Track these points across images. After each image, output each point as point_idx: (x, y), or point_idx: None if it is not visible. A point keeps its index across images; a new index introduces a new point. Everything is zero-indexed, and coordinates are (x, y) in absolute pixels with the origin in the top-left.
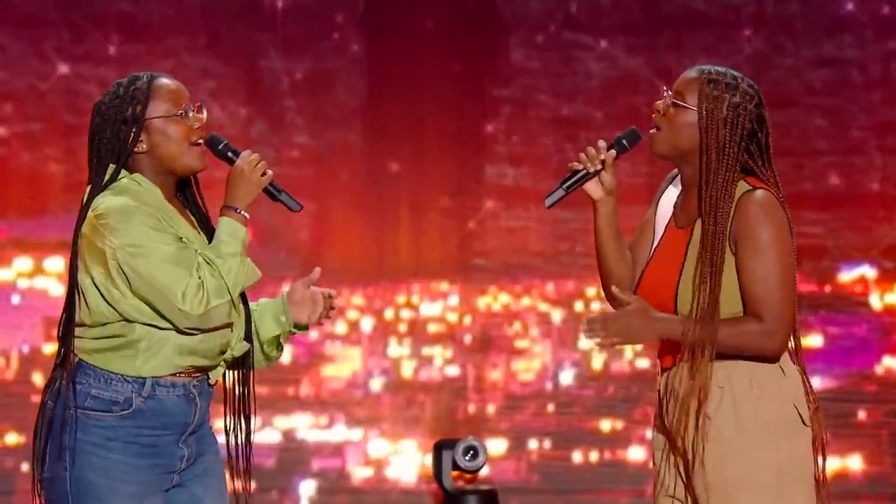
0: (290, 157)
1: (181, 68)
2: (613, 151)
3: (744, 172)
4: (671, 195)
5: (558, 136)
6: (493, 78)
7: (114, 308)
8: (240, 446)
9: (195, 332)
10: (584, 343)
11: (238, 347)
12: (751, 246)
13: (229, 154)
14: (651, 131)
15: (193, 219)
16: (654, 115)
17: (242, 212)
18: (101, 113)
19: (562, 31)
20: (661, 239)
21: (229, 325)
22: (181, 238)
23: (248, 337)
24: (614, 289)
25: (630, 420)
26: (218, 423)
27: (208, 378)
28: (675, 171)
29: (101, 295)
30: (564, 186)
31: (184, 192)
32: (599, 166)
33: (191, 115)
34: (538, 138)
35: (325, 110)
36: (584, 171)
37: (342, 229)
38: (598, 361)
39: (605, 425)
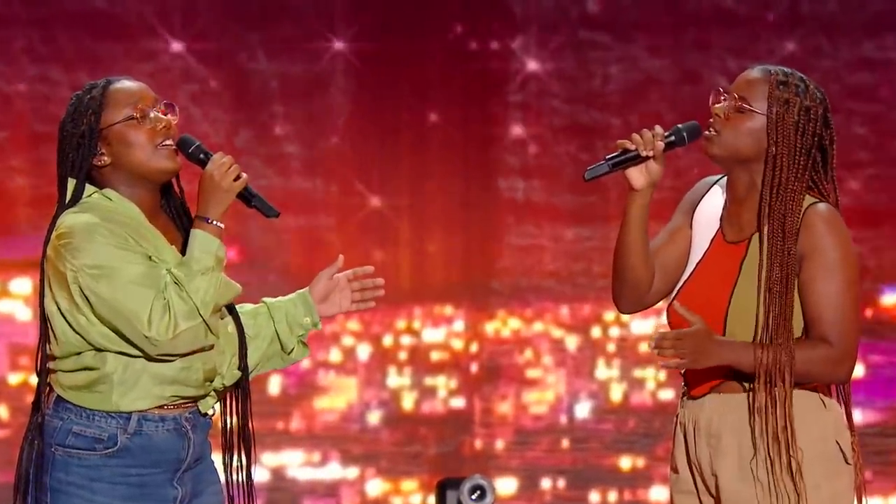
0: (278, 169)
1: (160, 71)
2: (669, 140)
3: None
4: (713, 204)
5: (573, 146)
6: (501, 82)
7: (82, 337)
8: (240, 485)
9: (167, 358)
10: (602, 372)
11: (229, 376)
12: (820, 265)
13: (201, 156)
14: (708, 132)
15: (179, 232)
16: (712, 119)
17: (216, 222)
18: (62, 129)
19: (577, 31)
20: (706, 254)
21: (207, 349)
22: (151, 257)
23: (242, 364)
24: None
25: (652, 457)
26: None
27: (199, 409)
28: (714, 177)
29: (68, 323)
30: (611, 163)
31: (169, 202)
32: (651, 153)
33: (151, 115)
34: (551, 148)
35: (318, 117)
36: (636, 152)
37: (336, 248)
38: (617, 393)
39: (625, 462)
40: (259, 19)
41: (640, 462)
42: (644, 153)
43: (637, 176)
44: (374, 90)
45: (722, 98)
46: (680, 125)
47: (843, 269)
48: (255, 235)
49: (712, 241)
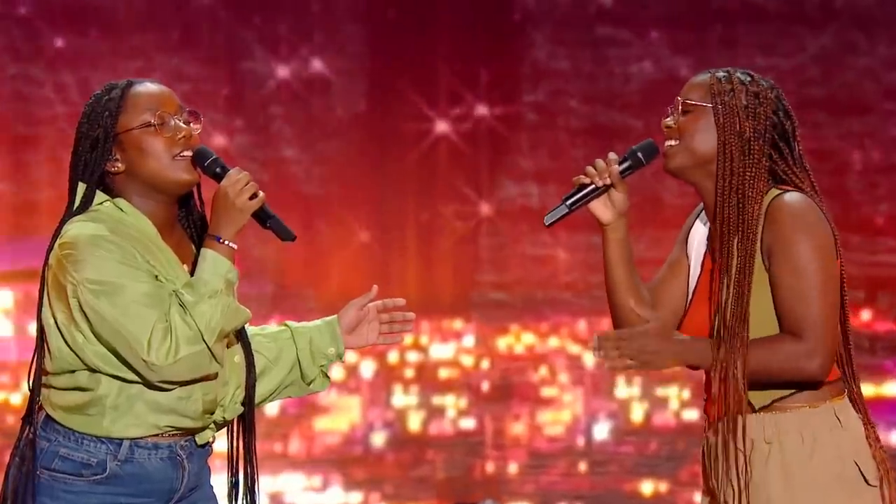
0: (277, 174)
1: (150, 70)
2: (626, 165)
3: (772, 176)
4: (701, 231)
5: (591, 149)
6: (514, 81)
7: (77, 355)
8: None
9: (166, 386)
10: (622, 391)
11: (231, 409)
12: (787, 258)
13: (217, 171)
14: (665, 145)
15: (194, 248)
16: (665, 132)
17: (228, 242)
18: (78, 130)
19: (595, 26)
20: (699, 278)
21: (212, 377)
22: (157, 276)
23: (247, 397)
24: (632, 303)
25: (675, 481)
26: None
27: (196, 441)
28: (700, 205)
29: (64, 339)
30: (567, 203)
31: (188, 216)
32: (609, 181)
33: (171, 123)
34: (568, 151)
35: (319, 119)
36: (592, 185)
37: (339, 258)
38: (638, 413)
39: (647, 487)
40: (257, 16)
41: (663, 486)
42: (600, 183)
43: (602, 210)
44: (379, 91)
45: (671, 111)
46: (634, 146)
47: (813, 260)
48: (252, 245)
49: (702, 264)
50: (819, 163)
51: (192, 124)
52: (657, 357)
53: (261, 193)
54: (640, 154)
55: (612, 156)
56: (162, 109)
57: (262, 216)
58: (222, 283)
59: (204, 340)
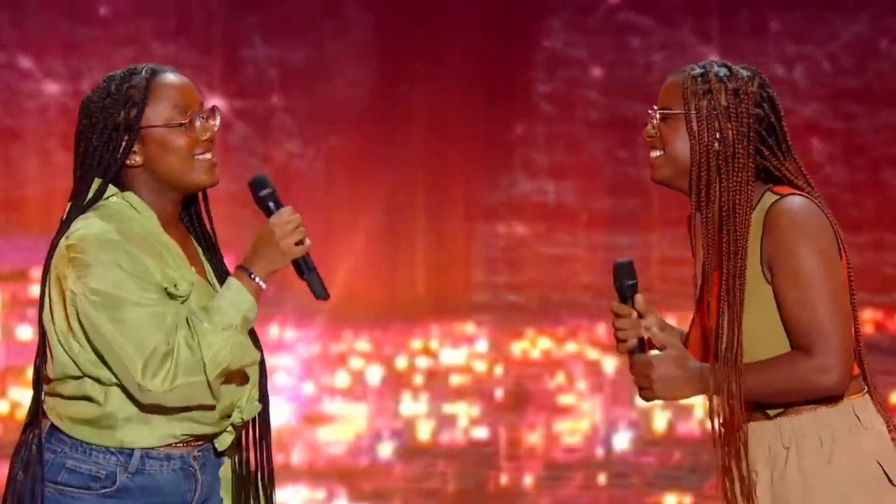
0: (278, 168)
1: (145, 58)
2: (624, 295)
3: (764, 175)
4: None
5: (610, 143)
6: (529, 70)
7: (74, 363)
8: None
9: (157, 409)
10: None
11: (249, 409)
12: (790, 269)
13: (270, 204)
14: (651, 156)
15: (197, 246)
16: (647, 141)
17: (259, 280)
18: (90, 114)
19: (614, 11)
20: (701, 292)
21: (206, 408)
22: (165, 288)
23: (262, 397)
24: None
25: (700, 494)
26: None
27: (214, 447)
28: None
29: (62, 344)
30: (635, 357)
31: (189, 211)
32: (644, 334)
33: (198, 123)
34: (586, 144)
35: (323, 110)
36: (639, 338)
37: (344, 258)
38: (660, 422)
39: (670, 501)
40: (256, 2)
41: (687, 500)
42: (645, 334)
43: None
44: (385, 81)
45: (650, 117)
46: (616, 281)
47: (816, 269)
48: (249, 240)
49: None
50: (852, 157)
51: (210, 121)
52: (675, 387)
53: (307, 241)
54: (626, 282)
55: (616, 305)
56: (190, 109)
57: (301, 266)
58: (239, 319)
59: (205, 372)
